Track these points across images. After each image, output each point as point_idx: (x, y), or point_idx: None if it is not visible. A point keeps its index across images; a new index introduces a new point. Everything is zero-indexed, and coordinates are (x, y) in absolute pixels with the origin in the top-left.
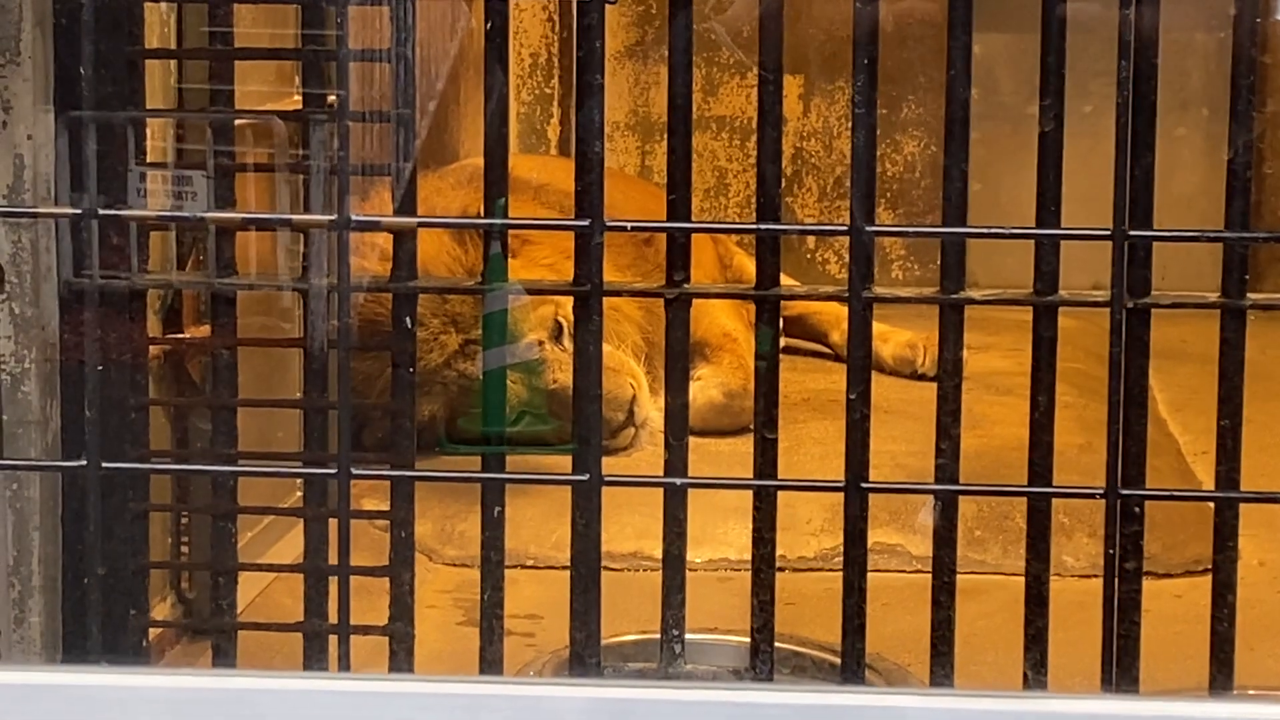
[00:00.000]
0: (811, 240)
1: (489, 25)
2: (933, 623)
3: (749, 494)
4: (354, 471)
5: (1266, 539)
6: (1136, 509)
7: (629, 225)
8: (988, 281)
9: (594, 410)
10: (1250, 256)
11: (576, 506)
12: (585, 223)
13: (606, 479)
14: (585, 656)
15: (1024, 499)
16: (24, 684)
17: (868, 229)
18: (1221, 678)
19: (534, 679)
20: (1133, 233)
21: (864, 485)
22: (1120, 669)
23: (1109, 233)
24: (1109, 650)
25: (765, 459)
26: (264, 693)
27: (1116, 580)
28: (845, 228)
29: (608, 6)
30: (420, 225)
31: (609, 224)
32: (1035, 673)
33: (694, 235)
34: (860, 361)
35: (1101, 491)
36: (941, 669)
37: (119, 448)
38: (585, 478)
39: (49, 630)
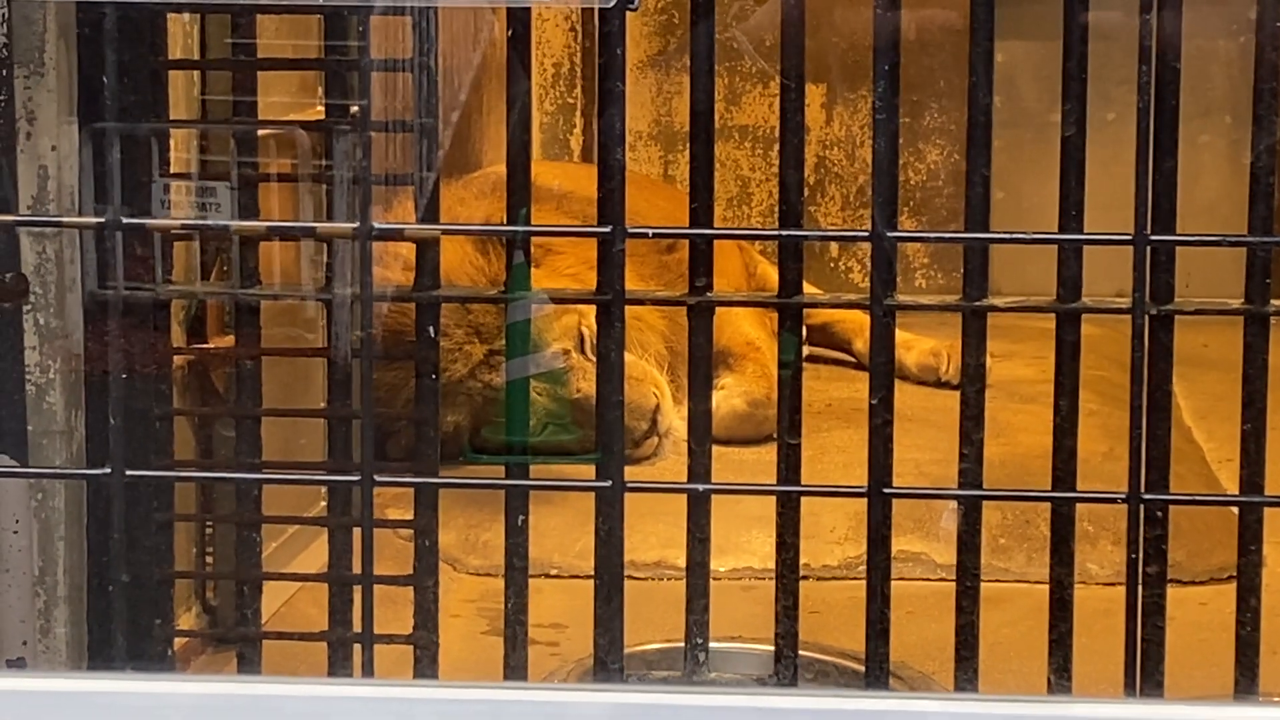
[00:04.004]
0: (835, 248)
1: (511, 33)
2: (956, 628)
3: (772, 503)
4: (377, 479)
5: None
6: (1159, 514)
7: (650, 232)
8: (1011, 290)
9: (616, 417)
10: (1274, 261)
11: (599, 513)
12: (606, 229)
13: (629, 485)
14: (608, 662)
15: (1048, 506)
16: (49, 691)
17: (889, 235)
18: (1245, 682)
19: (557, 685)
20: (1154, 237)
21: (886, 490)
22: (1144, 674)
23: (1130, 237)
24: (1131, 655)
25: (788, 464)
26: (288, 699)
27: (1140, 586)
28: (866, 234)
29: (629, 15)
30: (443, 233)
31: (630, 231)
32: (1059, 677)
33: (719, 243)
34: (883, 367)
35: (1124, 496)
36: (965, 674)
37: (143, 457)
38: (608, 484)
39: (74, 640)
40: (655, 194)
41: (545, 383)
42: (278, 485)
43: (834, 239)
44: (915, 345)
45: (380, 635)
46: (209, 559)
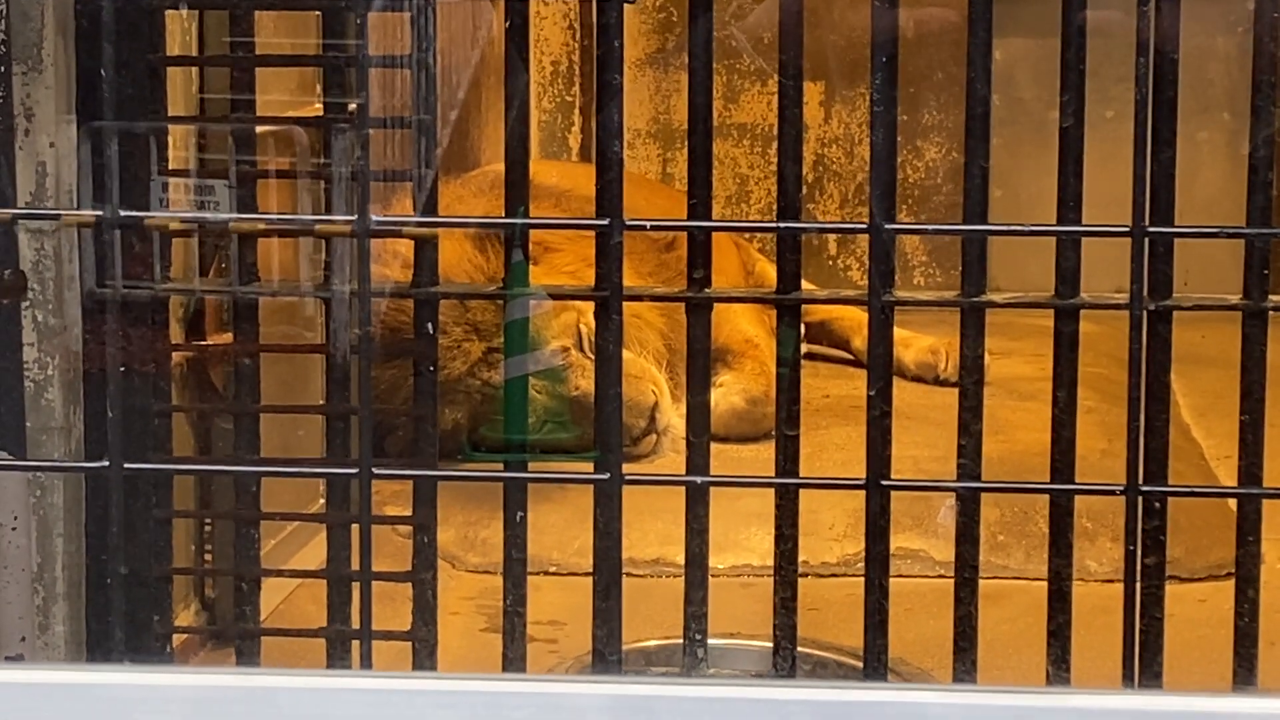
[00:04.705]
0: (833, 246)
1: (509, 25)
2: (955, 619)
3: (771, 500)
4: (375, 471)
5: None
6: (1157, 505)
7: (648, 224)
8: (1010, 287)
9: (614, 410)
10: (1272, 256)
11: (598, 506)
12: (604, 222)
13: (627, 478)
14: (607, 654)
15: (1046, 501)
16: (48, 683)
17: (887, 227)
18: (1243, 673)
19: (555, 677)
20: (1152, 229)
21: (884, 483)
22: (1142, 666)
23: (1128, 229)
24: (1129, 646)
25: (787, 456)
26: (287, 691)
27: (1138, 578)
28: (864, 226)
29: (626, 8)
30: (441, 225)
31: (628, 223)
32: (1057, 669)
33: (717, 242)
34: (881, 359)
35: (1122, 488)
36: (963, 665)
37: (142, 453)
38: (606, 477)
39: (73, 636)
40: (653, 193)
41: (544, 380)
42: (276, 483)
43: (832, 231)
44: (913, 343)
45: (379, 631)
46: (208, 556)
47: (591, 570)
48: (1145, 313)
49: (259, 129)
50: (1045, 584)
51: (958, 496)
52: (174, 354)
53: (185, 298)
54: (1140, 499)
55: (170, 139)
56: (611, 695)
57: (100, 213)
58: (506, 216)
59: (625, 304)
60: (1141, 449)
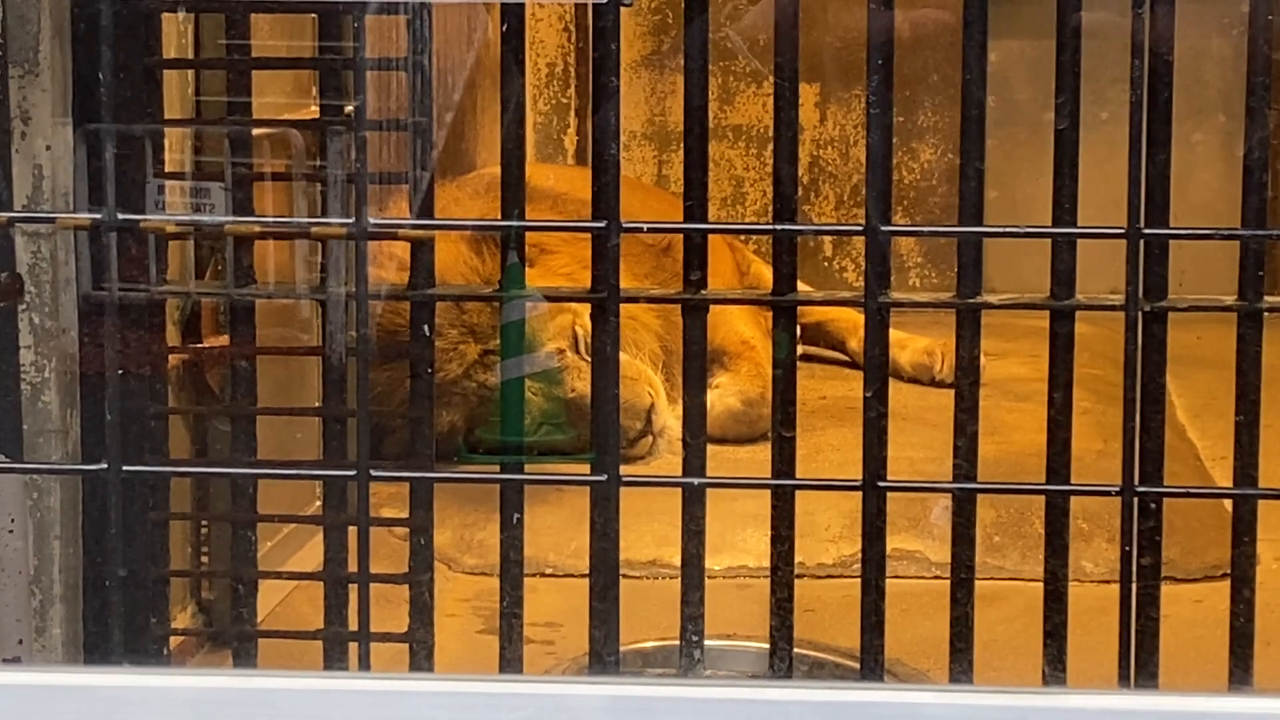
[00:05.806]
0: (829, 247)
1: (505, 27)
2: (951, 620)
3: (767, 502)
4: (373, 473)
5: None
6: (1153, 505)
7: (645, 226)
8: (1006, 288)
9: (611, 411)
10: (1267, 258)
11: (595, 508)
12: (601, 224)
13: (624, 479)
14: (604, 655)
15: (1042, 502)
16: (46, 685)
17: (883, 229)
18: (1239, 673)
19: (553, 678)
20: (1147, 230)
21: (881, 484)
22: (1138, 665)
23: (1124, 231)
24: (1125, 646)
25: (783, 457)
26: (284, 692)
27: (1134, 578)
28: (860, 227)
29: (623, 11)
30: (437, 227)
31: (625, 225)
32: (1053, 669)
33: (711, 243)
34: (877, 360)
35: (1118, 488)
36: (960, 665)
37: (139, 456)
38: (603, 478)
39: (70, 639)
40: (649, 196)
41: (540, 382)
42: (273, 485)
43: (828, 233)
44: (909, 344)
45: (376, 633)
46: (205, 557)
47: (588, 571)
48: (1140, 314)
49: (255, 131)
50: (1041, 585)
51: (954, 497)
52: (170, 356)
53: (182, 300)
54: (1136, 500)
55: (166, 142)
56: (609, 696)
57: (97, 215)
58: (502, 219)
59: (621, 306)
60: (1137, 450)
